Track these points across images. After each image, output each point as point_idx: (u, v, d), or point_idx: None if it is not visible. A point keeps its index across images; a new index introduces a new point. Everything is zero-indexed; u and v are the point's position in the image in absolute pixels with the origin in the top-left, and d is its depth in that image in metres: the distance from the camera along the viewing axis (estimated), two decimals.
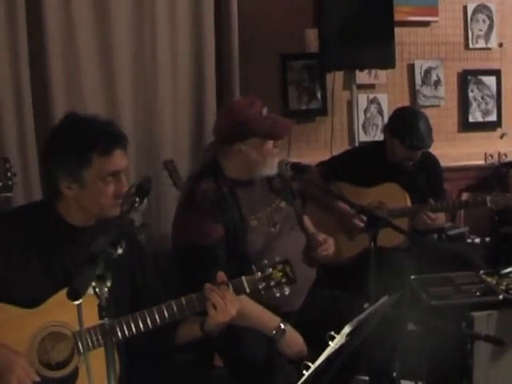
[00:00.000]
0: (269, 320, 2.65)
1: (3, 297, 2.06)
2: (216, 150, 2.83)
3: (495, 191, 3.88)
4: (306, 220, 3.14)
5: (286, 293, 2.30)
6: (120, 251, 1.71)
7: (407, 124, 3.61)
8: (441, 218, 3.72)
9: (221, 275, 2.26)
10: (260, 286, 2.27)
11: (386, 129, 3.80)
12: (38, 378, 2.01)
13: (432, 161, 3.91)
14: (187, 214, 2.73)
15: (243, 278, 2.26)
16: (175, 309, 2.16)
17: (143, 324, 2.11)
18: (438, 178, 3.93)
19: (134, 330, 2.10)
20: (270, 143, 2.76)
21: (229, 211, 2.70)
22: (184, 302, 2.18)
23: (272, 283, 2.28)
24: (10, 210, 2.74)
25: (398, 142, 3.62)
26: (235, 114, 2.76)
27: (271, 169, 2.80)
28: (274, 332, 2.61)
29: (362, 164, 3.78)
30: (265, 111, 2.77)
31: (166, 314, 2.15)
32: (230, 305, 2.18)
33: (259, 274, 2.28)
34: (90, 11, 3.74)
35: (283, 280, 2.29)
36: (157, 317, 2.13)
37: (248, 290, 2.27)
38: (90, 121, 2.16)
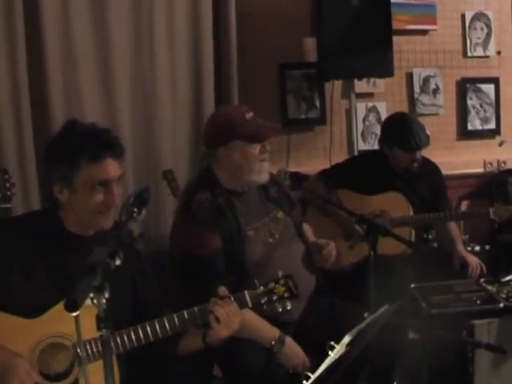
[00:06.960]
0: (268, 331, 2.62)
1: (4, 306, 2.05)
2: (208, 158, 2.82)
3: (496, 200, 3.87)
4: (306, 228, 3.12)
5: (288, 308, 2.27)
6: (118, 262, 1.70)
7: (400, 129, 3.66)
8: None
9: (222, 290, 2.22)
10: (262, 301, 2.25)
11: (382, 141, 3.82)
12: (40, 381, 2.00)
13: (432, 168, 3.92)
14: (184, 226, 2.71)
15: (246, 292, 2.24)
16: (177, 322, 2.15)
17: (144, 336, 2.10)
18: (441, 185, 3.94)
19: (134, 341, 2.09)
20: (255, 147, 2.71)
21: (225, 222, 2.68)
22: (186, 315, 2.16)
23: (274, 298, 2.25)
24: (12, 217, 2.73)
25: (398, 148, 3.63)
26: (218, 118, 2.78)
27: (260, 175, 2.74)
28: (272, 343, 2.58)
29: (365, 171, 3.80)
30: (249, 115, 2.72)
31: (168, 327, 2.13)
32: (233, 318, 2.17)
33: (262, 288, 2.25)
34: (87, 16, 3.72)
35: (286, 295, 2.26)
36: (158, 329, 2.12)
37: (250, 305, 2.25)
38: (85, 127, 2.15)
